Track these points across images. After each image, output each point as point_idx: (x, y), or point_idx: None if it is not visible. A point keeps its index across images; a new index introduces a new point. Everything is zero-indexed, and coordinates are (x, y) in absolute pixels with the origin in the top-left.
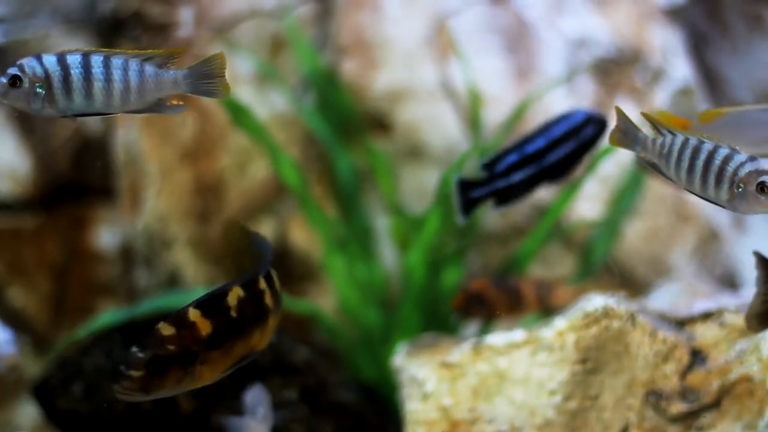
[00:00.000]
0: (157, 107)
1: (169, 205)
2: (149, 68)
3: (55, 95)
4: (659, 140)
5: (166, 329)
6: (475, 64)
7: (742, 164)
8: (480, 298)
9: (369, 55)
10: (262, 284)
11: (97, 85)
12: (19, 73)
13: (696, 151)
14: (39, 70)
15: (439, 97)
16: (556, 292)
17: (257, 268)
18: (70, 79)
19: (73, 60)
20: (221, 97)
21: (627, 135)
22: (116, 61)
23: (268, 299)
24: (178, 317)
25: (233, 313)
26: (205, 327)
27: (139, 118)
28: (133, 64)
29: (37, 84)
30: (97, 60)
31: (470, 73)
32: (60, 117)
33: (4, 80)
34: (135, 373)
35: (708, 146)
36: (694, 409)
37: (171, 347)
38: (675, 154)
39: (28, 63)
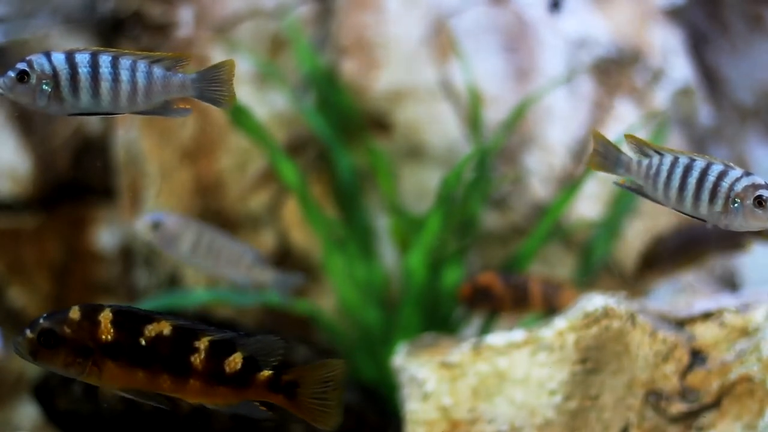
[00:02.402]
0: (162, 109)
1: (169, 205)
2: (157, 70)
3: (62, 93)
4: (645, 161)
5: (74, 312)
6: (475, 64)
7: (737, 179)
8: (487, 291)
9: (369, 55)
10: (202, 345)
11: (105, 85)
12: (27, 69)
13: (688, 169)
14: (47, 67)
15: (439, 97)
16: (563, 294)
17: (215, 330)
18: (78, 77)
19: (82, 59)
20: (225, 107)
21: (608, 158)
22: (125, 62)
23: (198, 362)
24: (91, 309)
25: (142, 341)
26: (106, 333)
27: (139, 118)
28: (142, 66)
29: (44, 81)
30: (105, 60)
31: (470, 73)
32: (65, 115)
33: (12, 74)
34: (28, 334)
35: (700, 163)
36: (694, 409)
37: (66, 330)
38: (664, 173)
39: (37, 59)
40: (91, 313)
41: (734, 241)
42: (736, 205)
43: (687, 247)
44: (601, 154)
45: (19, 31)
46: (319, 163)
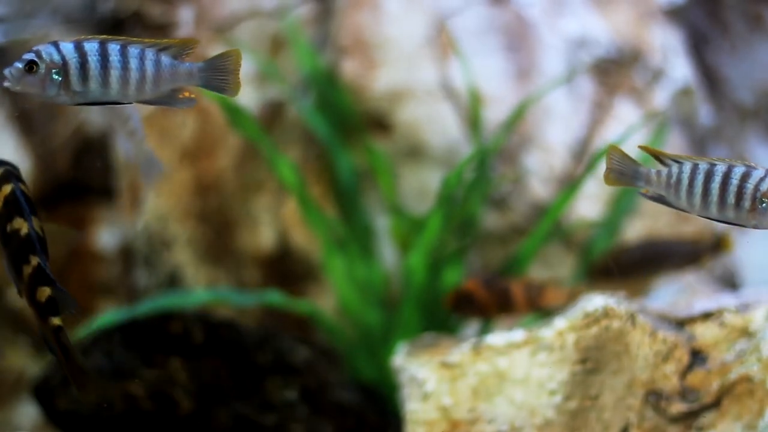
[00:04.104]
0: (168, 99)
1: (169, 205)
2: (165, 58)
3: (72, 82)
4: (665, 171)
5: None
6: (475, 64)
7: (762, 179)
8: (470, 298)
9: (369, 55)
10: (33, 262)
11: (114, 74)
12: (35, 59)
13: (710, 175)
14: (56, 57)
15: (439, 97)
16: (547, 294)
17: (49, 272)
18: (87, 66)
19: (91, 47)
20: (231, 95)
21: (625, 172)
22: (133, 50)
23: (25, 274)
24: (4, 177)
25: (8, 228)
26: None
27: (139, 118)
28: (150, 54)
29: (53, 70)
30: (114, 48)
31: (470, 73)
32: (72, 105)
33: (20, 65)
34: None
35: (722, 167)
36: (694, 409)
37: None
38: (685, 181)
39: (45, 49)
40: (1, 181)
41: (694, 258)
42: (764, 205)
43: (647, 261)
44: (618, 170)
45: (19, 31)
46: (318, 163)
